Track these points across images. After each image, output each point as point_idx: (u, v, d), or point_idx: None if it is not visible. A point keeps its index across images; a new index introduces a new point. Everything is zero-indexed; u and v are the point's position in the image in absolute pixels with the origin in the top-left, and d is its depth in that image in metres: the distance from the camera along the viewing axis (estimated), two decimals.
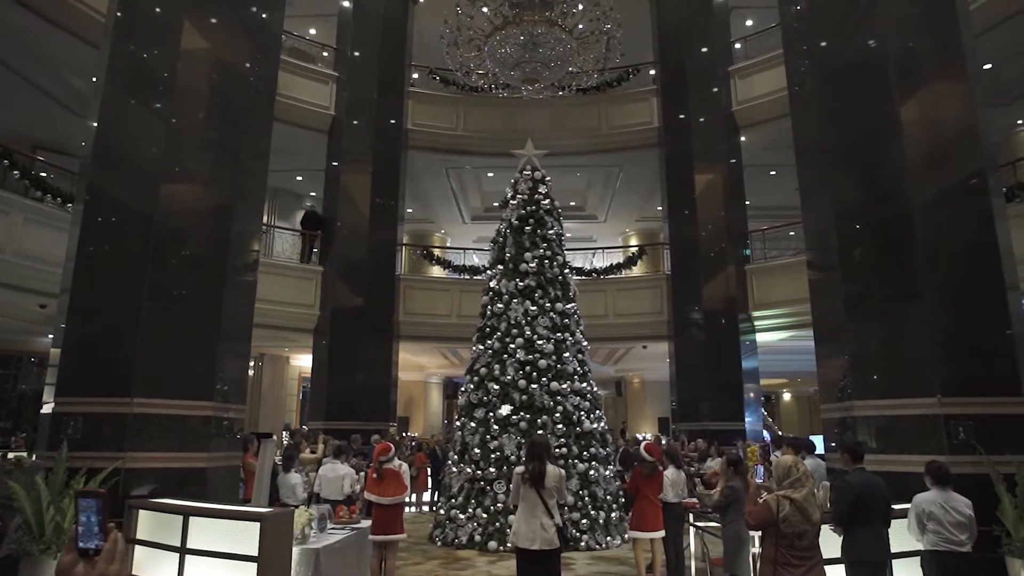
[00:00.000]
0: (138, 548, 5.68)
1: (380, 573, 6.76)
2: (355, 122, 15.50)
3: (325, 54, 16.65)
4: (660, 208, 17.22)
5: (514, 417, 9.40)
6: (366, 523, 6.75)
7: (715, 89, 15.43)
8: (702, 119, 15.37)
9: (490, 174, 17.93)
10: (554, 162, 13.54)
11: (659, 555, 7.23)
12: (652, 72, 16.90)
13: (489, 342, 10.14)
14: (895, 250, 6.81)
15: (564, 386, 9.66)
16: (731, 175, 15.22)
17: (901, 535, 5.01)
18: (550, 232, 10.63)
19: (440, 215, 21.16)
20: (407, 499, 11.49)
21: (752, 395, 14.32)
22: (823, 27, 8.01)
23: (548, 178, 11.10)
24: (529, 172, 10.93)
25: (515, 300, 10.14)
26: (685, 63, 15.77)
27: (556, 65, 10.72)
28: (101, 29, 8.01)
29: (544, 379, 9.62)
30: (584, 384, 10.00)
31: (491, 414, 9.56)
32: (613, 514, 9.34)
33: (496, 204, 15.12)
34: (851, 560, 4.57)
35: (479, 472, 9.27)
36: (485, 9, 10.50)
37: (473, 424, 9.70)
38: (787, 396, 29.60)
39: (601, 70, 11.75)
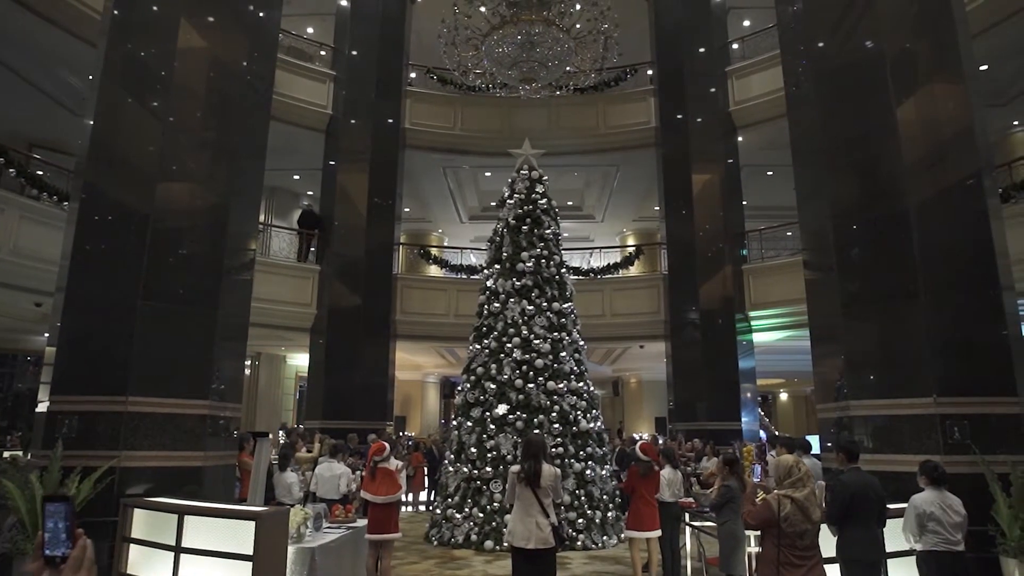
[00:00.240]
0: (133, 547, 5.69)
1: (376, 572, 6.76)
2: (352, 121, 15.49)
3: (323, 53, 16.63)
4: (657, 208, 17.23)
5: (511, 416, 9.40)
6: (362, 522, 6.75)
7: (712, 89, 15.46)
8: (699, 119, 15.39)
9: (487, 173, 17.94)
10: (551, 162, 13.55)
11: (655, 555, 7.24)
12: (650, 72, 16.91)
13: (486, 341, 10.13)
14: (891, 250, 6.82)
15: (561, 385, 9.66)
16: (728, 175, 15.24)
17: (896, 535, 5.02)
18: (547, 231, 10.63)
19: (437, 214, 21.16)
20: (403, 498, 11.52)
21: (749, 395, 14.35)
22: (820, 28, 8.01)
23: (545, 177, 11.10)
24: (526, 171, 10.93)
25: (512, 299, 10.14)
26: (683, 63, 15.78)
27: (553, 64, 10.72)
28: (98, 27, 7.99)
29: (541, 378, 9.62)
30: (581, 383, 10.00)
31: (488, 413, 9.56)
32: (609, 514, 9.34)
33: (493, 204, 15.09)
34: (845, 559, 4.58)
35: (475, 471, 9.26)
36: (483, 8, 10.50)
37: (470, 423, 9.70)
38: (783, 396, 29.65)
39: (598, 70, 11.77)
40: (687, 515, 7.76)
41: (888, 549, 4.93)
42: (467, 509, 9.14)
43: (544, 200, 10.78)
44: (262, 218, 16.87)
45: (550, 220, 10.79)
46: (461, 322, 13.71)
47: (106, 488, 5.74)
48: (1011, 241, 6.82)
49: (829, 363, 7.45)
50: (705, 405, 14.21)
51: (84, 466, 5.70)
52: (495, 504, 8.95)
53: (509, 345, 9.86)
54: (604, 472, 9.67)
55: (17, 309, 11.88)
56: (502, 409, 9.47)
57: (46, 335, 7.49)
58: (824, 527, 4.39)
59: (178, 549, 5.34)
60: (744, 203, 15.50)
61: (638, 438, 15.22)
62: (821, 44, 8.01)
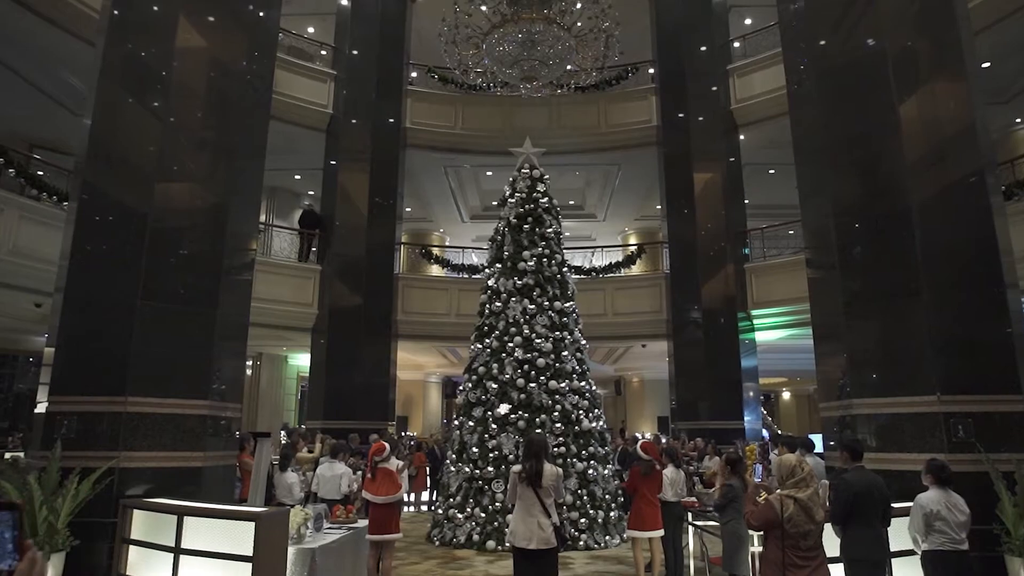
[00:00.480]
0: (132, 548, 5.67)
1: (377, 573, 6.73)
2: (353, 121, 15.47)
3: (323, 52, 16.62)
4: (659, 207, 17.21)
5: (512, 416, 9.37)
6: (363, 523, 6.72)
7: (714, 88, 15.43)
8: (701, 118, 15.36)
9: (489, 173, 17.91)
10: (553, 161, 13.52)
11: (658, 554, 7.21)
12: (651, 70, 16.89)
13: (487, 341, 10.10)
14: (894, 248, 6.78)
15: (563, 385, 9.62)
16: (730, 174, 15.22)
17: (900, 534, 4.98)
18: (548, 230, 10.60)
19: (439, 214, 21.13)
20: (405, 498, 11.49)
21: (751, 394, 14.32)
22: (822, 25, 7.97)
23: (547, 176, 11.06)
24: (527, 170, 10.89)
25: (513, 299, 10.11)
26: (684, 61, 15.75)
27: (554, 63, 10.69)
28: (96, 26, 7.97)
29: (543, 378, 9.59)
30: (583, 383, 9.96)
31: (489, 413, 9.53)
32: (612, 513, 9.31)
33: (495, 203, 15.08)
34: (850, 559, 4.54)
35: (477, 471, 9.24)
36: (483, 7, 10.48)
37: (471, 423, 9.67)
38: (786, 395, 29.61)
39: (600, 68, 11.71)
40: (690, 515, 7.72)
41: (892, 548, 4.89)
42: (469, 509, 9.11)
43: (545, 199, 10.75)
44: (263, 218, 16.87)
45: (551, 219, 10.75)
46: (462, 321, 13.69)
47: (105, 489, 5.72)
48: (1014, 239, 6.78)
49: (832, 361, 7.41)
50: (707, 404, 14.19)
51: (83, 467, 5.68)
52: (497, 504, 8.92)
53: (511, 344, 9.83)
54: (606, 472, 9.63)
55: (17, 309, 11.87)
56: (504, 408, 9.44)
57: (46, 335, 7.48)
58: (828, 527, 4.35)
59: (177, 550, 5.32)
60: (746, 202, 15.47)
61: (640, 437, 15.19)
62: (823, 42, 7.97)
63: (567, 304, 10.31)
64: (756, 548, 6.01)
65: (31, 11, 10.09)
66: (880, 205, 6.97)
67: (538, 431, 9.00)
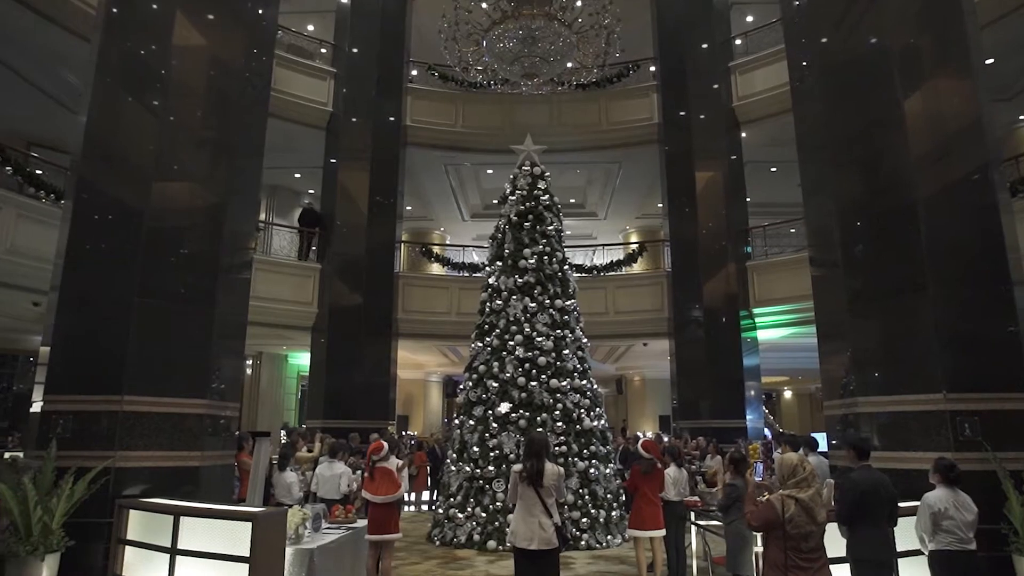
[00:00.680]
0: (128, 549, 5.62)
1: (376, 573, 6.67)
2: (353, 119, 15.42)
3: (323, 50, 16.55)
4: (660, 205, 17.14)
5: (513, 415, 9.31)
6: (362, 523, 6.66)
7: (715, 85, 15.35)
8: (702, 115, 15.30)
9: (489, 171, 17.85)
10: (553, 158, 13.46)
11: (660, 554, 7.15)
12: (652, 68, 16.82)
13: (488, 339, 10.04)
14: (898, 245, 6.71)
15: (564, 383, 9.56)
16: (732, 171, 15.15)
17: (908, 534, 4.92)
18: (549, 228, 10.54)
19: (439, 212, 21.08)
20: (405, 498, 11.43)
21: (753, 393, 14.25)
22: (824, 22, 7.90)
23: (547, 174, 11.01)
24: (528, 168, 10.84)
25: (514, 297, 10.05)
26: (685, 59, 15.69)
27: (555, 60, 10.65)
28: (93, 22, 7.91)
29: (543, 376, 9.53)
30: (584, 381, 9.90)
31: (490, 412, 9.47)
32: (613, 513, 9.25)
33: (495, 201, 15.02)
34: (856, 559, 4.47)
35: (478, 471, 9.18)
36: (484, 3, 10.42)
37: (472, 422, 9.61)
38: (788, 394, 29.55)
39: (601, 65, 11.67)
40: (692, 514, 7.66)
41: (899, 548, 4.82)
42: (469, 509, 9.06)
43: (546, 197, 10.69)
44: (263, 217, 16.85)
45: (552, 217, 10.69)
46: (463, 320, 13.63)
47: (101, 489, 5.65)
48: (1020, 235, 6.70)
49: (836, 359, 7.35)
50: (709, 403, 14.14)
51: (79, 467, 5.60)
52: (498, 504, 8.86)
53: (511, 343, 9.77)
54: (608, 471, 9.58)
55: (16, 309, 11.82)
56: (504, 407, 9.38)
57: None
58: (832, 527, 4.29)
59: (174, 551, 5.26)
60: (748, 200, 15.39)
61: (641, 436, 15.13)
62: (826, 39, 7.90)
63: (568, 302, 10.25)
64: (760, 548, 5.95)
65: (29, 8, 10.03)
66: (884, 202, 6.90)
67: (539, 430, 8.94)
